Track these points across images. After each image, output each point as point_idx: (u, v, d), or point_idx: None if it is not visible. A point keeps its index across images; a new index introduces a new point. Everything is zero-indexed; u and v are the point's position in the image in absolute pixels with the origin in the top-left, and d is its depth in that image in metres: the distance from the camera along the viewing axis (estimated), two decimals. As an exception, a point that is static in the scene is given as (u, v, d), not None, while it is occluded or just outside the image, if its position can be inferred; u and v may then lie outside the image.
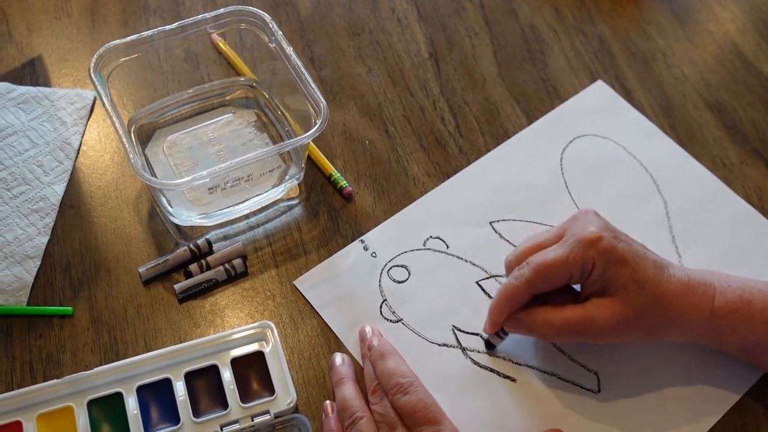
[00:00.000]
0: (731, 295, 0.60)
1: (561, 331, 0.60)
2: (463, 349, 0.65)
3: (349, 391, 0.61)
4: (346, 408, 0.60)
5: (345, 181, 0.72)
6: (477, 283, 0.69)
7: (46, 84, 0.76)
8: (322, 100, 0.65)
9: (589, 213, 0.62)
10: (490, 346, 0.65)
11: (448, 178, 0.74)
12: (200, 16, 0.69)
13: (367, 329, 0.64)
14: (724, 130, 0.78)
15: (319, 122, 0.64)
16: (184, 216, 0.68)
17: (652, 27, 0.86)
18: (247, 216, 0.70)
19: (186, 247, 0.67)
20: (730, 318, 0.60)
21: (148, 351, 0.62)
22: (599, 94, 0.80)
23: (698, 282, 0.60)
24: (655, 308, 0.59)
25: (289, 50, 0.68)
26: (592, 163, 0.76)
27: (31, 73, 0.77)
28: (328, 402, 0.61)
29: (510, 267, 0.63)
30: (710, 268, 0.68)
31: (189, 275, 0.66)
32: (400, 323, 0.66)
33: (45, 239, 0.68)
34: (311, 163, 0.73)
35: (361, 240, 0.70)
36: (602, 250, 0.59)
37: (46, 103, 0.75)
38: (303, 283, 0.67)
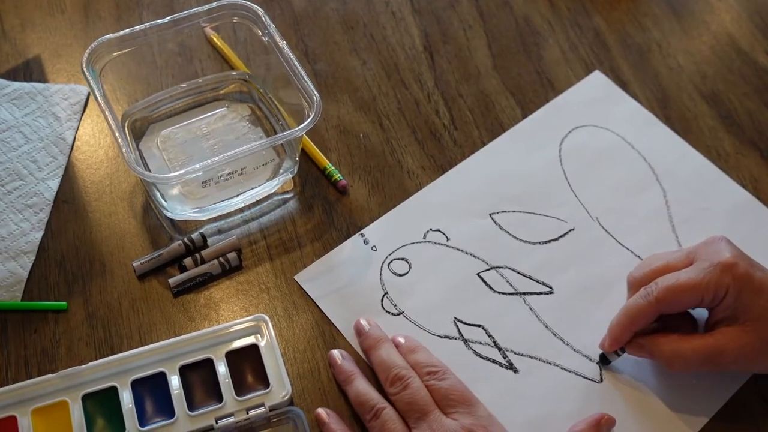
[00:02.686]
0: None
1: (689, 362, 0.59)
2: (465, 341, 0.65)
3: (362, 385, 0.60)
4: (365, 402, 0.59)
5: (339, 175, 0.72)
6: (478, 274, 0.68)
7: (40, 80, 0.76)
8: (315, 93, 0.65)
9: (722, 240, 0.61)
10: (605, 362, 0.64)
11: (443, 170, 0.74)
12: (193, 9, 0.69)
13: (363, 322, 0.64)
14: (719, 120, 0.78)
15: (312, 115, 0.64)
16: (179, 210, 0.68)
17: (647, 18, 0.85)
18: (241, 210, 0.70)
19: (180, 241, 0.67)
20: None
21: (142, 345, 0.62)
22: (597, 84, 0.80)
23: None
24: None
25: (282, 44, 0.68)
26: (591, 154, 0.76)
27: (25, 68, 0.77)
28: (320, 410, 0.60)
29: (635, 285, 0.62)
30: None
31: (183, 269, 0.66)
32: (401, 316, 0.66)
33: (39, 234, 0.67)
34: (306, 157, 0.73)
35: (361, 234, 0.70)
36: (738, 277, 0.57)
37: (39, 98, 0.74)
38: (303, 277, 0.67)
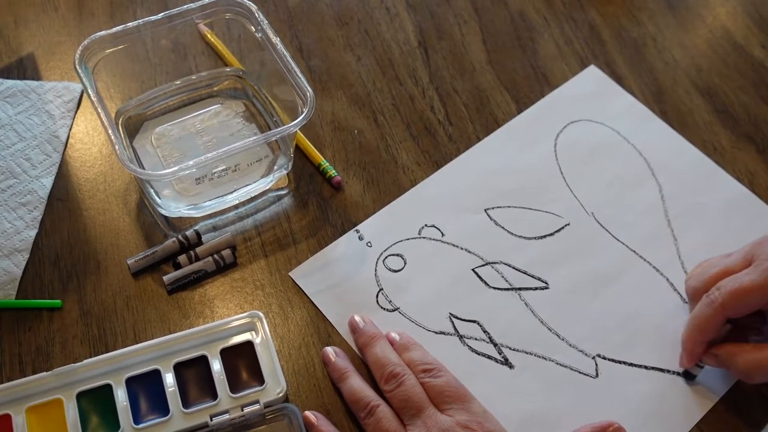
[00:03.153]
0: None
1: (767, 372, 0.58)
2: (461, 337, 0.65)
3: (356, 383, 0.60)
4: (359, 399, 0.59)
5: (334, 171, 0.72)
6: (473, 270, 0.68)
7: (34, 77, 0.76)
8: (309, 89, 0.64)
9: None
10: (690, 377, 0.63)
11: (438, 166, 0.73)
12: (187, 6, 0.69)
13: (357, 319, 0.64)
14: (715, 114, 0.78)
15: (305, 111, 0.64)
16: (173, 207, 0.68)
17: (642, 13, 0.85)
18: (236, 207, 0.70)
19: (175, 239, 0.67)
20: None
21: (137, 343, 0.62)
22: (592, 79, 0.80)
23: None
24: None
25: (276, 40, 0.67)
26: (586, 148, 0.76)
27: (18, 66, 0.76)
28: (308, 413, 0.60)
29: (696, 294, 0.61)
30: (706, 250, 0.68)
31: (178, 266, 0.66)
32: (396, 312, 0.66)
33: (33, 232, 0.67)
34: (300, 153, 0.73)
35: (356, 230, 0.70)
36: None
37: (33, 96, 0.74)
38: (297, 273, 0.67)
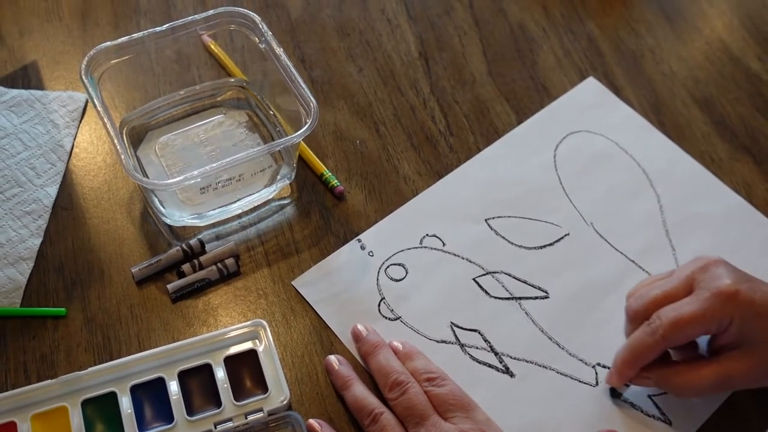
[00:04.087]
0: None
1: (700, 390, 0.59)
2: (462, 346, 0.66)
3: (360, 390, 0.61)
4: (363, 407, 0.60)
5: (336, 181, 0.72)
6: (474, 279, 0.69)
7: (38, 87, 0.76)
8: (312, 99, 0.65)
9: (720, 263, 0.59)
10: (616, 395, 0.63)
11: (439, 176, 0.74)
12: (190, 17, 0.70)
13: (360, 327, 0.65)
14: (712, 126, 0.79)
15: (309, 122, 0.64)
16: (177, 216, 0.69)
17: (640, 25, 0.86)
18: (239, 216, 0.71)
19: (178, 247, 0.68)
20: None
21: (141, 351, 0.63)
22: (591, 90, 0.81)
23: None
24: None
25: (279, 51, 0.68)
26: (585, 159, 0.76)
27: (23, 76, 0.77)
28: (312, 421, 0.60)
29: (636, 317, 0.61)
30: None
31: (182, 275, 0.67)
32: (398, 321, 0.66)
33: (38, 241, 0.68)
34: (303, 163, 0.74)
35: (358, 239, 0.70)
36: (741, 305, 0.56)
37: (38, 105, 0.75)
38: (300, 282, 0.67)
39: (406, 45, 0.83)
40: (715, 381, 0.58)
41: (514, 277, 0.69)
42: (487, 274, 0.69)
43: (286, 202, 0.72)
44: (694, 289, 0.59)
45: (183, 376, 0.61)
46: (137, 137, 0.73)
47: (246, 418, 0.60)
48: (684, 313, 0.57)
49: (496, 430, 0.59)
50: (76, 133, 0.74)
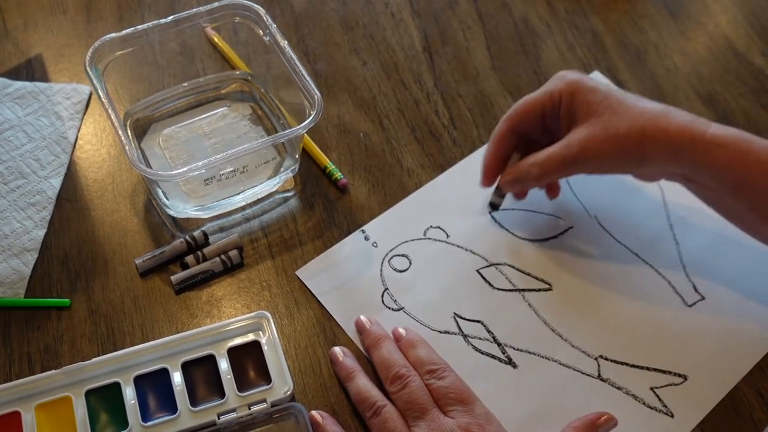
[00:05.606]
0: (729, 131, 0.61)
1: (546, 167, 0.65)
2: (465, 336, 0.66)
3: (363, 383, 0.61)
4: (365, 399, 0.60)
5: (340, 173, 0.72)
6: (477, 271, 0.69)
7: (43, 79, 0.77)
8: (317, 92, 0.65)
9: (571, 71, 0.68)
10: (494, 207, 0.71)
11: (443, 170, 0.74)
12: (194, 9, 0.70)
13: (363, 319, 0.65)
14: (716, 121, 0.78)
15: (313, 114, 0.64)
16: (180, 208, 0.69)
17: (644, 20, 0.86)
18: (243, 208, 0.71)
19: (182, 239, 0.68)
20: (727, 148, 0.60)
21: (145, 341, 0.63)
22: (593, 85, 0.81)
23: (686, 113, 0.63)
24: (633, 127, 0.61)
25: (284, 43, 0.68)
26: (587, 154, 0.76)
27: (28, 68, 0.77)
28: (314, 412, 0.60)
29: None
30: (708, 254, 0.69)
31: (185, 267, 0.67)
32: (401, 311, 0.67)
33: (42, 232, 0.68)
34: (306, 156, 0.74)
35: (362, 230, 0.70)
36: (568, 81, 0.65)
37: (42, 98, 0.75)
38: (304, 272, 0.67)
39: (409, 39, 0.83)
40: (558, 153, 0.64)
41: (517, 269, 0.69)
42: (491, 265, 0.69)
43: (289, 194, 0.72)
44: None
45: (186, 367, 0.61)
46: (141, 129, 0.73)
47: (249, 409, 0.60)
48: (526, 96, 0.67)
49: (495, 424, 0.59)
50: (80, 125, 0.74)
